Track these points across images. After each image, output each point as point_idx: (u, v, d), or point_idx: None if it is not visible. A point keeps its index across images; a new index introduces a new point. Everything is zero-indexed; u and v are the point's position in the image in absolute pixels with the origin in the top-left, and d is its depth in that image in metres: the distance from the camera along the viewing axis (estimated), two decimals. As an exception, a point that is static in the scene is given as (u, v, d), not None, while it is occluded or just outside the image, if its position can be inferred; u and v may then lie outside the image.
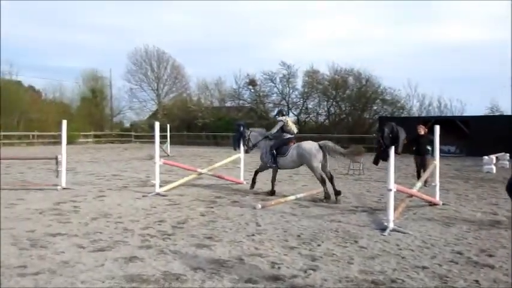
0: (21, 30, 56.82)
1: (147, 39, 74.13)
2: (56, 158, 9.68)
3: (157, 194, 8.80)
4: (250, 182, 9.45)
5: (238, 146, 10.39)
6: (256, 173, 9.43)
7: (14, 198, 8.30)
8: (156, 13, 62.42)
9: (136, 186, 10.15)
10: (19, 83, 36.67)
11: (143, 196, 8.70)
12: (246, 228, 6.05)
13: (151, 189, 9.23)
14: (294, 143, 8.93)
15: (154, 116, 40.04)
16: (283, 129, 9.04)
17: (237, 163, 11.36)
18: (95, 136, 37.63)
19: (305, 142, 8.82)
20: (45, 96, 40.72)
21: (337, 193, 8.23)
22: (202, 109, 36.09)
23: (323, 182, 8.37)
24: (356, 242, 5.39)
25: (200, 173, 10.44)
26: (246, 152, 9.94)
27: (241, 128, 10.00)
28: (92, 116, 39.52)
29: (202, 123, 34.93)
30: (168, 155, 19.77)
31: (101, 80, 42.37)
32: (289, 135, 8.98)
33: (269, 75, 33.95)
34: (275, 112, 9.31)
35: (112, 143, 37.04)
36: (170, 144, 22.54)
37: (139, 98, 41.91)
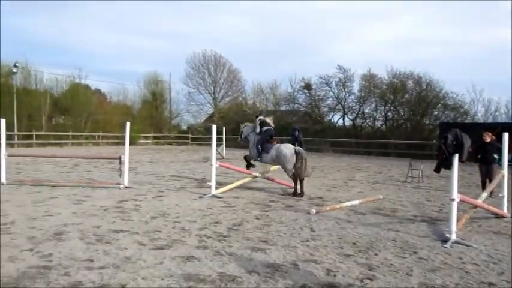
0: (89, 36, 60.42)
1: (205, 44, 76.06)
2: (120, 158, 10.16)
3: (213, 195, 8.98)
4: (246, 164, 10.54)
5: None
6: (245, 158, 10.64)
7: (81, 195, 8.82)
8: (214, 17, 63.91)
9: (193, 188, 10.43)
10: (87, 86, 38.96)
11: (200, 197, 8.91)
12: (300, 234, 6.01)
13: (207, 190, 9.44)
14: (277, 143, 10.14)
15: (210, 119, 40.99)
16: (263, 124, 10.43)
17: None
18: (155, 138, 39.17)
19: (284, 146, 9.86)
20: (109, 99, 42.98)
21: (301, 193, 9.34)
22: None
23: (295, 181, 9.52)
24: (415, 253, 5.18)
25: (255, 176, 10.51)
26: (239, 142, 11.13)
27: (297, 132, 10.02)
28: (152, 118, 41.21)
29: (257, 126, 35.15)
30: (224, 158, 20.13)
31: (161, 83, 44.02)
32: (268, 127, 10.35)
33: (325, 79, 33.56)
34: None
35: (170, 144, 38.33)
36: (225, 146, 22.94)
37: (196, 101, 43.06)
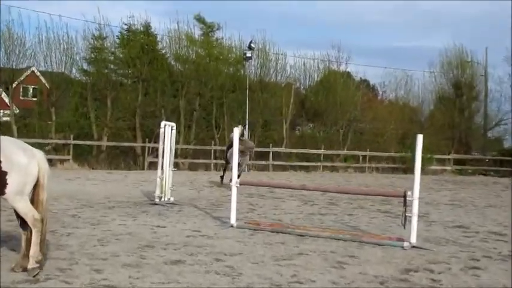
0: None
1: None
2: (404, 196, 10.37)
3: None
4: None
5: None
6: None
7: (343, 254, 9.38)
8: None
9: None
10: (348, 75, 41.49)
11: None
12: None
13: None
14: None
15: None
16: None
17: None
18: (456, 161, 38.70)
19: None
20: (382, 95, 44.60)
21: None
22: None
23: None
24: None
25: None
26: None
27: None
28: (451, 126, 40.73)
29: None
30: None
31: (470, 67, 43.26)
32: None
33: None
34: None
35: (484, 174, 37.35)
36: None
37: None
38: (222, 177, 21.85)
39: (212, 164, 31.83)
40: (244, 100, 33.48)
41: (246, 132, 22.14)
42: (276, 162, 32.88)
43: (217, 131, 34.46)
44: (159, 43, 35.50)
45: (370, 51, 69.18)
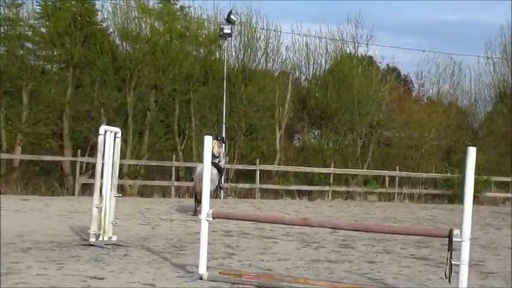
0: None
1: None
2: (449, 236, 10.03)
3: None
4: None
5: None
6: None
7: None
8: None
9: None
10: (369, 61, 41.61)
11: None
12: None
13: None
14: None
15: None
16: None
17: None
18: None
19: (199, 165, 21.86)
20: (420, 90, 44.56)
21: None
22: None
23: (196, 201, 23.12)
24: None
25: None
26: None
27: None
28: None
29: None
30: None
31: None
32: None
33: None
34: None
35: None
36: None
37: None
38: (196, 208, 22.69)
39: (173, 188, 31.59)
40: (220, 96, 33.44)
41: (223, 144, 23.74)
42: (265, 186, 32.87)
43: (180, 140, 34.36)
44: (99, 13, 35.42)
45: (401, 28, 69.20)
